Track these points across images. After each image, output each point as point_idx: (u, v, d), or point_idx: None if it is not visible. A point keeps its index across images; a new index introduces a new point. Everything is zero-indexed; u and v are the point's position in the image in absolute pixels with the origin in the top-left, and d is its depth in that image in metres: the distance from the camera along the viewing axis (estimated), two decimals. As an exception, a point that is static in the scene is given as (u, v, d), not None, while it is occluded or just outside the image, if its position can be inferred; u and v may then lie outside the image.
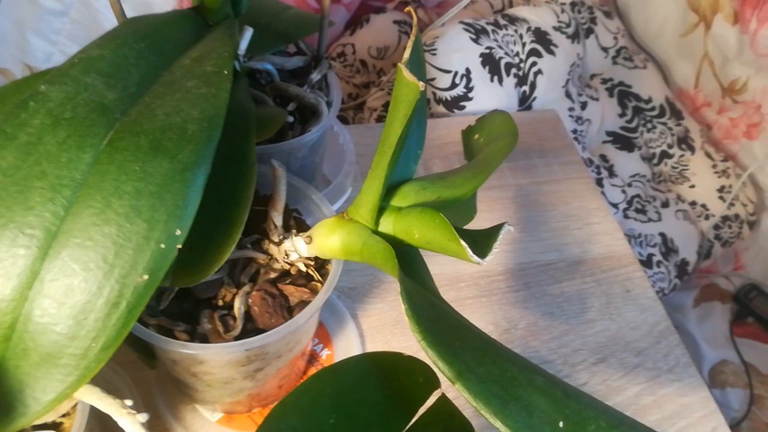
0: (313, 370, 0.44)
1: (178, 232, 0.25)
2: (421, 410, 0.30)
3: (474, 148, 0.43)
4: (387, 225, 0.33)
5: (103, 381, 0.40)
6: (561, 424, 0.24)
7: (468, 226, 0.31)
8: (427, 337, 0.25)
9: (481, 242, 0.29)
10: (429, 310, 0.28)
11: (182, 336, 0.32)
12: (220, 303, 0.34)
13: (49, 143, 0.24)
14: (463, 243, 0.28)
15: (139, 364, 0.40)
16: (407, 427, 0.29)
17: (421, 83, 0.27)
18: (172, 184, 0.25)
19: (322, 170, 0.50)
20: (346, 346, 0.46)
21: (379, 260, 0.32)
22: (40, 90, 0.25)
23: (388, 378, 0.30)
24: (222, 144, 0.31)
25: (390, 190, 0.34)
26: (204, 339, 0.33)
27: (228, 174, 0.31)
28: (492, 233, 0.30)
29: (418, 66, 0.36)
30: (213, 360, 0.33)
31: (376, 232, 0.33)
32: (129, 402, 0.24)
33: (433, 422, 0.30)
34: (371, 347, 0.46)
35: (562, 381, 0.26)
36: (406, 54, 0.28)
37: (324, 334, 0.46)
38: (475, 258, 0.28)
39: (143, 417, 0.23)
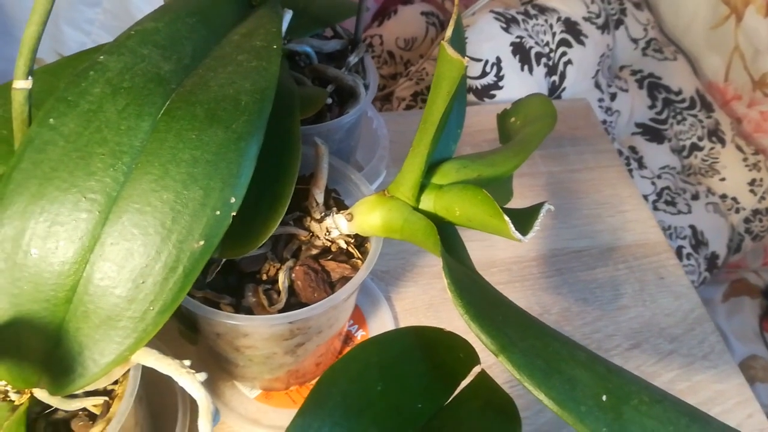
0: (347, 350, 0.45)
1: (233, 200, 0.25)
2: (462, 384, 0.31)
3: (510, 131, 0.43)
4: (428, 202, 0.33)
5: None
6: (604, 397, 0.24)
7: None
8: (470, 311, 0.25)
9: (522, 220, 0.29)
10: (471, 285, 0.29)
11: (228, 308, 0.33)
12: (264, 277, 0.35)
13: (109, 111, 0.25)
14: (506, 218, 0.28)
15: (179, 341, 0.41)
16: (450, 399, 0.29)
17: (465, 59, 0.27)
18: (227, 152, 0.25)
19: (356, 155, 0.50)
20: (380, 328, 0.46)
21: (419, 237, 0.33)
22: (99, 60, 0.26)
23: (430, 352, 0.31)
24: (268, 121, 0.32)
25: (430, 168, 0.34)
26: (248, 312, 0.33)
27: (274, 150, 0.32)
28: (532, 212, 0.30)
29: (459, 44, 0.36)
30: (257, 333, 0.34)
31: (417, 210, 0.33)
32: (187, 362, 0.24)
33: (475, 396, 0.31)
34: (404, 329, 0.46)
35: (603, 358, 0.27)
36: (449, 32, 0.28)
37: (359, 316, 0.46)
38: (517, 234, 0.28)
39: (202, 376, 0.23)
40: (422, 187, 0.33)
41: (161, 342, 0.42)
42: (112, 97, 0.25)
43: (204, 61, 0.28)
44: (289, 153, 0.32)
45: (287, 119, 0.32)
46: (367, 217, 0.34)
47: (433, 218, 0.33)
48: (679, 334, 0.48)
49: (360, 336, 0.45)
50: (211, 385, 0.42)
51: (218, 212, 0.25)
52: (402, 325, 0.47)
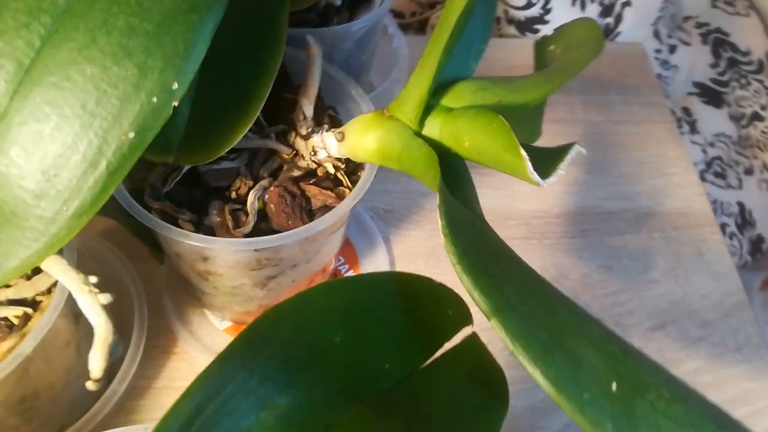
0: (334, 292, 0.40)
1: (175, 86, 0.20)
2: (447, 346, 0.26)
3: (548, 60, 0.37)
4: (433, 127, 0.28)
5: (107, 270, 0.37)
6: (614, 386, 0.19)
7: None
8: (464, 260, 0.20)
9: (545, 161, 0.24)
10: (469, 230, 0.24)
11: (186, 226, 0.29)
12: (234, 195, 0.30)
13: (29, -45, 0.20)
14: (523, 153, 0.23)
15: (150, 258, 0.37)
16: (428, 362, 0.25)
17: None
18: (174, 24, 0.20)
19: (368, 75, 0.44)
20: (373, 270, 0.41)
21: (418, 168, 0.27)
22: None
23: (413, 303, 0.26)
24: (248, 6, 0.26)
25: (442, 87, 0.29)
26: (210, 232, 0.29)
27: (251, 41, 0.26)
28: (559, 153, 0.24)
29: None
30: (219, 257, 0.29)
31: (419, 135, 0.28)
32: (93, 279, 0.20)
33: (458, 361, 0.26)
34: (401, 276, 0.42)
35: (620, 337, 0.22)
36: None
37: (351, 254, 0.42)
38: (536, 176, 0.23)
39: (106, 298, 0.19)
40: (428, 108, 0.28)
41: (128, 258, 0.38)
42: (36, -61, 0.20)
43: None
44: (270, 46, 0.26)
45: (272, 5, 0.26)
46: (360, 137, 0.29)
47: (438, 147, 0.28)
48: (712, 319, 0.42)
49: (350, 277, 0.41)
50: (178, 310, 0.38)
51: (155, 99, 0.20)
52: (398, 270, 0.42)
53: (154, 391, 0.35)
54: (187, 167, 0.29)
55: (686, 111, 0.76)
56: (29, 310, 0.25)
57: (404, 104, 0.28)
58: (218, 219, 0.29)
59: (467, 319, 0.26)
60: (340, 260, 0.41)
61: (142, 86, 0.20)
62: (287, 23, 0.27)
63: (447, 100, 0.28)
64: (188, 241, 0.27)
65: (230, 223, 0.28)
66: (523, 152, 0.23)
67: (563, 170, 0.23)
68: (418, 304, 0.26)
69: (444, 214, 0.22)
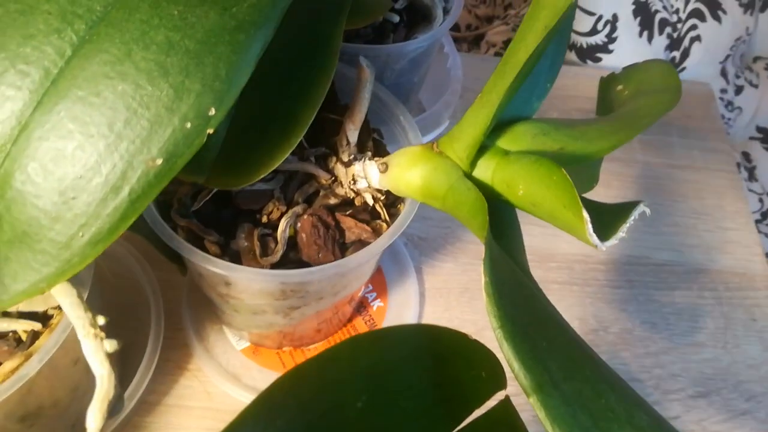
0: (359, 320, 0.38)
1: (212, 112, 0.18)
2: (477, 413, 0.23)
3: (614, 101, 0.34)
4: (485, 170, 0.26)
5: (127, 276, 0.36)
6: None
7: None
8: (506, 326, 0.19)
9: (604, 220, 0.22)
10: (515, 291, 0.21)
11: (212, 248, 0.27)
12: (264, 220, 0.28)
13: (69, -44, 0.18)
14: (585, 214, 0.21)
15: (173, 266, 0.35)
16: (455, 431, 0.22)
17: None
18: (218, 44, 0.18)
19: (418, 95, 0.42)
20: (402, 302, 0.39)
21: (464, 212, 0.25)
22: None
23: (443, 363, 0.24)
24: (299, 21, 0.24)
25: (499, 126, 0.27)
26: (236, 257, 0.27)
27: (301, 60, 0.24)
28: (621, 212, 0.22)
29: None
30: (241, 284, 0.28)
31: (468, 176, 0.26)
32: (101, 320, 0.18)
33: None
34: (430, 310, 0.39)
35: (669, 425, 0.19)
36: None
37: (380, 283, 0.39)
38: (595, 239, 0.21)
39: (112, 345, 0.17)
40: (482, 149, 0.26)
41: (150, 264, 0.37)
42: (79, -61, 0.18)
43: None
44: (320, 67, 0.24)
45: (326, 23, 0.24)
46: (404, 172, 0.27)
47: (488, 191, 0.25)
48: (760, 392, 0.38)
49: (376, 306, 0.39)
50: (196, 324, 0.36)
51: (189, 124, 0.18)
52: (428, 305, 0.40)
53: (163, 408, 0.34)
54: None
55: (746, 156, 0.71)
56: (38, 326, 0.23)
57: (456, 141, 0.26)
58: (246, 244, 0.27)
59: (501, 384, 0.24)
60: (368, 287, 0.39)
61: (176, 109, 0.18)
62: (341, 41, 0.25)
63: (503, 142, 0.26)
64: (212, 267, 0.25)
65: (258, 250, 0.27)
66: (585, 214, 0.21)
67: (624, 233, 0.21)
68: (449, 363, 0.24)
69: (489, 269, 0.20)
